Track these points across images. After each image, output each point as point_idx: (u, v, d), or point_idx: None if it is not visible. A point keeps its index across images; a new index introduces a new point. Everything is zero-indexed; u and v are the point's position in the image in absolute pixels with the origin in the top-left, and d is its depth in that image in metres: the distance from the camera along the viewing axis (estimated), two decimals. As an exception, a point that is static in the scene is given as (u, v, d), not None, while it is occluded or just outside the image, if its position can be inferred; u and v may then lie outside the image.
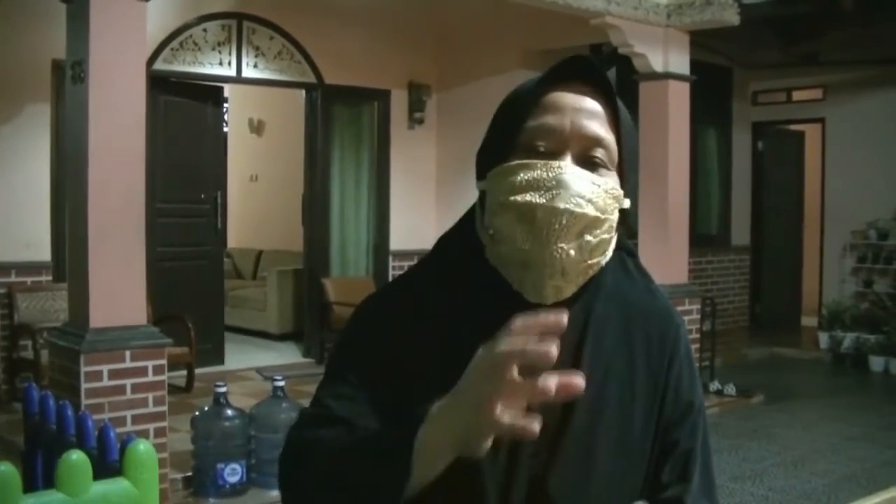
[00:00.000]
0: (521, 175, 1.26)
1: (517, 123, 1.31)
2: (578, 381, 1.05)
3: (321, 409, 1.34)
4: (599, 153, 1.29)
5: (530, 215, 1.25)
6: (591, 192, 1.25)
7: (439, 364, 1.27)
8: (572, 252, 1.25)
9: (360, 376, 1.34)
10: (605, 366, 1.32)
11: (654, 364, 1.36)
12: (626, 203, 1.31)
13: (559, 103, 1.30)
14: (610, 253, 1.33)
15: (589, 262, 1.28)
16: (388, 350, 1.33)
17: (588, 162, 1.28)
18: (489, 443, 1.08)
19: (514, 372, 1.04)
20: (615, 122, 1.31)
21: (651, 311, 1.40)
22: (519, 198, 1.26)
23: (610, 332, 1.34)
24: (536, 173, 1.26)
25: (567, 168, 1.25)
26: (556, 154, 1.27)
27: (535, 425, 1.04)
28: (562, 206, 1.23)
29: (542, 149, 1.28)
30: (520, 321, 1.05)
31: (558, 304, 1.28)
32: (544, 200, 1.24)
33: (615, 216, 1.29)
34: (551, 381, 1.03)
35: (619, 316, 1.36)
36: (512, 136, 1.31)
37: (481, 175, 1.35)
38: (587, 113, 1.29)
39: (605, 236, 1.28)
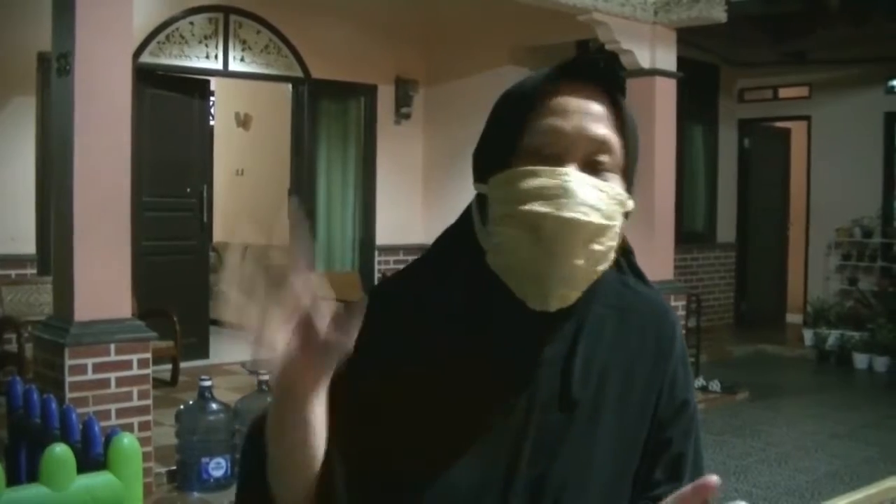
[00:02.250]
0: (527, 182, 1.22)
1: (520, 123, 1.27)
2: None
3: None
4: (605, 157, 1.25)
5: (537, 225, 1.21)
6: (596, 198, 1.22)
7: (437, 370, 1.27)
8: (580, 262, 1.22)
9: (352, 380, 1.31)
10: (603, 365, 1.31)
11: (651, 362, 1.34)
12: (631, 205, 1.29)
13: (564, 104, 1.26)
14: (612, 257, 1.29)
15: (596, 269, 1.26)
16: (383, 355, 1.30)
17: (593, 166, 1.25)
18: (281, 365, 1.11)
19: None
20: (620, 125, 1.28)
21: (647, 309, 1.38)
22: (526, 207, 1.22)
23: (607, 331, 1.32)
24: (542, 181, 1.22)
25: (573, 175, 1.22)
26: (560, 158, 1.24)
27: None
28: (568, 215, 1.20)
29: (546, 152, 1.24)
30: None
31: (561, 310, 1.27)
32: (551, 210, 1.20)
33: (620, 221, 1.26)
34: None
35: (615, 314, 1.34)
36: (514, 137, 1.27)
37: (481, 177, 1.31)
38: (593, 116, 1.26)
39: (611, 243, 1.26)
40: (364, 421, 1.27)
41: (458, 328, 1.29)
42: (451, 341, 1.28)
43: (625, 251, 1.39)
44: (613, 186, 1.25)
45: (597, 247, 1.23)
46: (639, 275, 1.40)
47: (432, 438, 1.25)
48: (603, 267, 1.27)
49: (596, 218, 1.22)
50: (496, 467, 1.25)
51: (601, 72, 1.28)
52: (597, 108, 1.26)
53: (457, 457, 1.24)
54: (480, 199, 1.32)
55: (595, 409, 1.29)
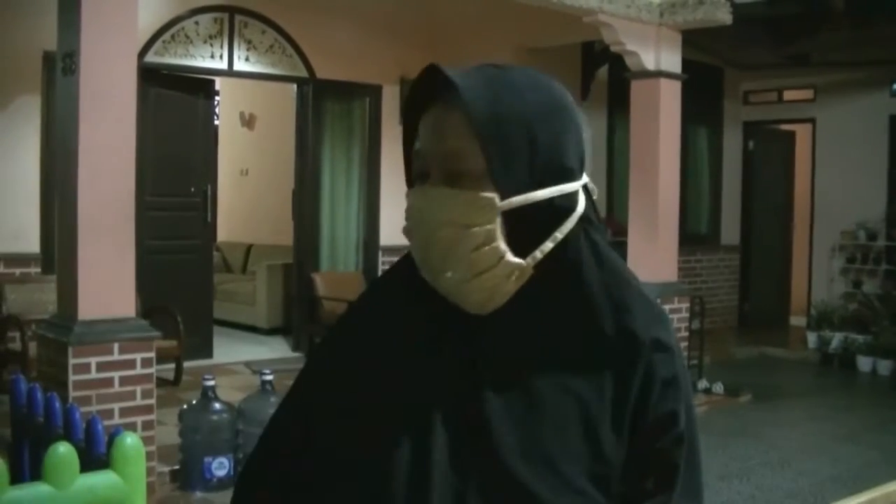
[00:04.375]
0: (406, 205, 1.29)
1: (405, 149, 1.33)
2: None
3: (269, 443, 1.40)
4: (461, 164, 1.24)
5: (411, 244, 1.29)
6: (447, 212, 1.23)
7: (386, 373, 1.30)
8: (448, 274, 1.23)
9: (311, 399, 1.37)
10: (563, 375, 1.27)
11: (626, 372, 1.29)
12: (523, 198, 1.24)
13: (425, 125, 1.29)
14: (543, 250, 1.26)
15: (483, 275, 1.24)
16: (341, 366, 1.35)
17: (453, 178, 1.24)
18: None
19: None
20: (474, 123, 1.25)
21: (629, 320, 1.30)
22: (404, 226, 1.29)
23: (569, 341, 1.28)
24: (407, 203, 1.28)
25: (421, 193, 1.26)
26: (425, 177, 1.27)
27: None
28: (418, 236, 1.25)
29: (417, 173, 1.29)
30: None
31: (500, 311, 1.26)
32: (408, 232, 1.27)
33: (490, 225, 1.22)
34: None
35: (583, 322, 1.28)
36: (407, 162, 1.33)
37: None
38: (443, 127, 1.26)
39: (486, 247, 1.23)
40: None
41: (407, 337, 1.31)
42: (400, 351, 1.31)
43: (594, 243, 1.31)
44: (466, 193, 1.23)
45: (464, 254, 1.23)
46: (620, 276, 1.32)
47: (366, 441, 1.26)
48: (491, 273, 1.24)
49: (447, 232, 1.23)
50: (444, 487, 1.23)
51: (445, 78, 1.27)
52: (447, 117, 1.26)
53: (390, 460, 1.25)
54: None
55: (559, 426, 1.25)
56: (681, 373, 1.34)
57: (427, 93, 1.30)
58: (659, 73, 8.36)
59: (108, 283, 5.36)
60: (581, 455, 1.25)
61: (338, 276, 9.96)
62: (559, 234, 1.27)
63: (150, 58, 8.63)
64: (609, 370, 1.29)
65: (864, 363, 10.38)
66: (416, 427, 1.25)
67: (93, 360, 5.26)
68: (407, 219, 1.28)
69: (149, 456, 4.75)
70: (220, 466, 5.77)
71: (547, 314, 1.28)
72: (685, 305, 8.68)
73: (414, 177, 1.30)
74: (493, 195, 1.23)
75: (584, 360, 1.28)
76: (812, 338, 11.17)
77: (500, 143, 1.24)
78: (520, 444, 1.24)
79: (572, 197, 1.28)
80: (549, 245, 1.26)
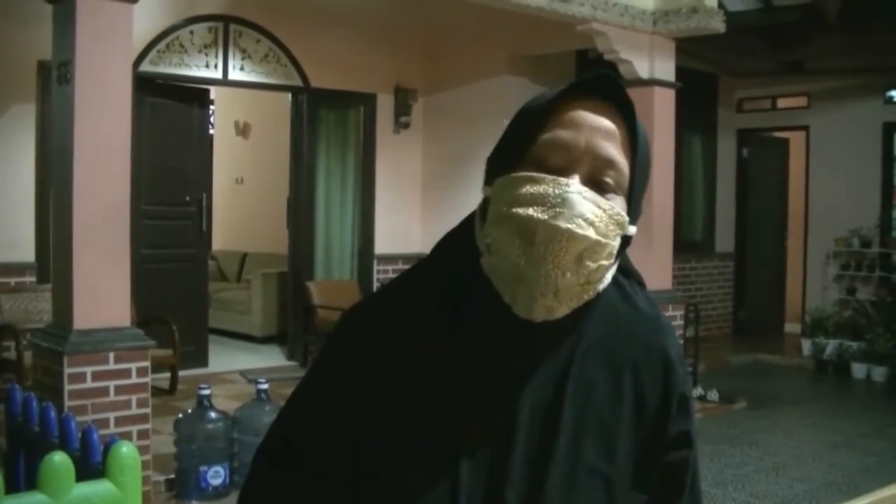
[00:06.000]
0: (527, 188, 1.23)
1: (531, 134, 1.27)
2: None
3: (282, 438, 1.40)
4: (610, 176, 1.26)
5: (530, 230, 1.21)
6: (594, 214, 1.22)
7: (425, 378, 1.28)
8: (568, 274, 1.22)
9: (331, 397, 1.35)
10: (590, 394, 1.29)
11: (645, 393, 1.32)
12: (632, 230, 1.29)
13: (576, 119, 1.26)
14: (608, 279, 1.29)
15: (585, 285, 1.25)
16: (366, 366, 1.32)
17: (597, 183, 1.25)
18: None
19: None
20: (631, 146, 1.28)
21: (645, 343, 1.35)
22: (521, 210, 1.22)
23: (598, 361, 1.30)
24: (542, 188, 1.22)
25: (574, 187, 1.22)
26: (565, 171, 1.24)
27: None
28: (563, 225, 1.20)
29: (552, 163, 1.25)
30: None
31: (548, 324, 1.26)
32: (546, 217, 1.20)
33: (616, 242, 1.26)
34: None
35: (610, 344, 1.32)
36: (524, 147, 1.27)
37: (489, 181, 1.31)
38: (603, 133, 1.26)
39: (605, 262, 1.25)
40: (339, 440, 1.31)
41: (439, 332, 1.29)
42: (430, 345, 1.29)
43: (627, 274, 1.38)
44: (614, 206, 1.25)
45: (589, 263, 1.23)
46: (646, 302, 1.38)
47: (406, 451, 1.26)
48: (595, 287, 1.26)
49: (591, 233, 1.21)
50: (476, 488, 1.24)
51: (617, 90, 1.29)
52: (609, 126, 1.27)
53: (429, 471, 1.24)
54: (485, 204, 1.32)
55: (578, 439, 1.27)
56: (690, 389, 1.39)
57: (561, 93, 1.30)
58: (653, 81, 8.38)
59: (103, 292, 5.36)
60: (598, 473, 1.28)
61: (333, 285, 9.96)
62: (615, 267, 1.32)
63: (145, 67, 8.64)
64: (629, 387, 1.32)
65: (858, 370, 10.41)
66: (449, 440, 1.25)
67: (88, 370, 5.26)
68: (541, 203, 1.22)
69: (144, 465, 4.75)
70: (216, 475, 5.77)
71: (580, 333, 1.30)
72: (680, 313, 8.69)
73: (533, 161, 1.26)
74: (626, 217, 1.28)
75: (606, 378, 1.31)
76: (807, 345, 11.19)
77: (642, 172, 1.31)
78: (539, 456, 1.26)
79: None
80: (610, 276, 1.31)
